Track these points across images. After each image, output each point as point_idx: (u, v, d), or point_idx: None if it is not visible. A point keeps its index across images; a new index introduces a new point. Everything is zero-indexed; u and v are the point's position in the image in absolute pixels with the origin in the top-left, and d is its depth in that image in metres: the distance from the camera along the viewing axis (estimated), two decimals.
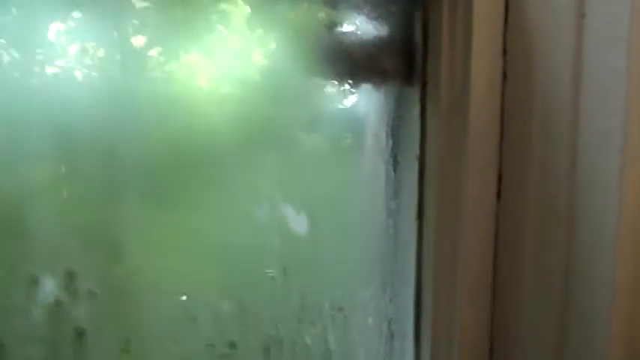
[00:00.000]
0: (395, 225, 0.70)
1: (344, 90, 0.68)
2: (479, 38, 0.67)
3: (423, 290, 0.70)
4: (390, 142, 0.69)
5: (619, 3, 0.62)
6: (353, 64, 0.65)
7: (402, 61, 0.68)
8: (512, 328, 0.73)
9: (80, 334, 0.41)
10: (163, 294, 0.48)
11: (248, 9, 0.65)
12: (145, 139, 0.54)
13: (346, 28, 0.66)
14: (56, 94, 0.46)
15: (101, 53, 0.51)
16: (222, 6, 0.63)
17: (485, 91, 0.69)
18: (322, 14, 0.66)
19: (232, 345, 0.52)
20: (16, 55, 0.44)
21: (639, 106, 0.64)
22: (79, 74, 0.49)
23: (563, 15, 0.66)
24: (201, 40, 0.61)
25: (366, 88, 0.69)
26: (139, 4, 0.54)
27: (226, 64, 0.64)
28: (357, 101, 0.70)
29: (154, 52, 0.57)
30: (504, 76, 0.71)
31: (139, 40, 0.55)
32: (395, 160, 0.70)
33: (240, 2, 0.64)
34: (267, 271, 0.56)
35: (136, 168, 0.52)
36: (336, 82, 0.67)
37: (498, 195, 0.73)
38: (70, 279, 0.39)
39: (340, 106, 0.69)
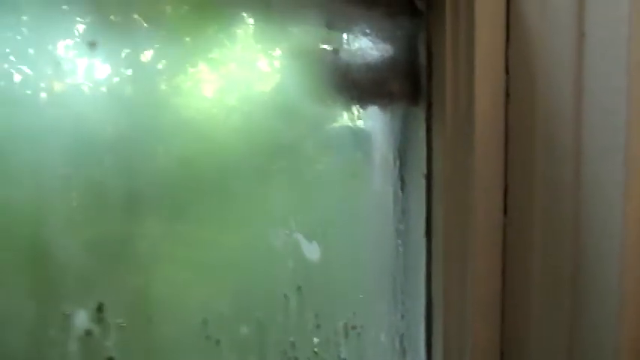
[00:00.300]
0: (404, 243, 0.72)
1: (351, 112, 0.70)
2: (481, 58, 0.69)
3: (434, 306, 0.71)
4: (398, 163, 0.71)
5: (618, 23, 0.64)
6: (359, 86, 0.67)
7: (407, 82, 0.69)
8: (522, 340, 0.74)
9: None
10: (185, 318, 0.50)
11: (254, 31, 0.66)
12: (158, 157, 0.56)
13: (352, 51, 0.67)
14: (66, 111, 0.47)
15: (109, 69, 0.51)
16: (229, 27, 0.65)
17: (489, 110, 0.70)
18: (327, 37, 0.67)
19: None
20: (26, 71, 0.45)
21: None
22: (87, 89, 0.49)
23: (563, 34, 0.68)
24: (208, 59, 0.63)
25: (373, 109, 0.71)
26: (147, 20, 0.55)
27: (233, 86, 0.65)
28: (364, 122, 0.71)
29: (162, 67, 0.58)
30: (507, 94, 0.72)
31: (147, 55, 0.56)
32: (403, 179, 0.71)
33: (247, 22, 0.66)
34: (282, 290, 0.58)
35: (152, 190, 0.53)
36: (343, 104, 0.69)
37: (505, 210, 0.74)
38: (99, 311, 0.41)
39: (347, 128, 0.71)
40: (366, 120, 0.71)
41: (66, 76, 0.48)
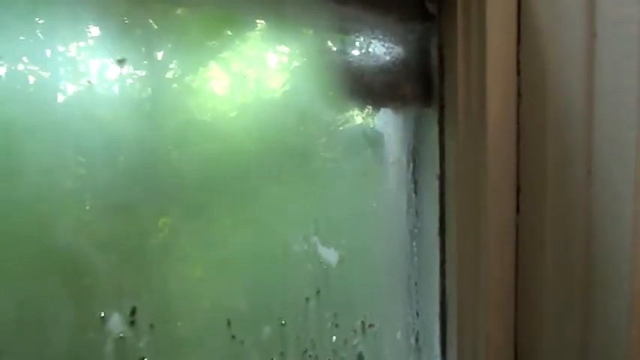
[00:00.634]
0: (418, 242, 0.73)
1: (364, 114, 0.71)
2: (493, 60, 0.70)
3: (448, 304, 0.72)
4: (411, 164, 0.72)
5: (628, 22, 0.65)
6: (372, 89, 0.68)
7: (420, 85, 0.70)
8: (535, 337, 0.76)
9: None
10: (211, 319, 0.51)
11: (268, 35, 0.67)
12: (172, 160, 0.57)
13: (364, 54, 0.68)
14: (79, 112, 0.48)
15: (122, 69, 0.52)
16: (243, 32, 0.66)
17: (500, 110, 0.71)
18: (340, 41, 0.68)
19: None
20: (40, 73, 0.46)
21: None
22: (100, 90, 0.50)
23: (574, 35, 0.69)
24: (222, 61, 0.63)
25: (386, 111, 0.72)
26: (158, 21, 0.56)
27: (247, 89, 0.66)
28: (378, 124, 0.73)
29: (175, 69, 0.59)
30: (519, 95, 0.73)
31: (158, 56, 0.57)
32: (416, 180, 0.72)
33: (259, 26, 0.67)
34: (303, 292, 0.59)
35: (173, 192, 0.55)
36: (357, 107, 0.70)
37: (517, 209, 0.75)
38: (132, 314, 0.43)
39: (361, 130, 0.72)
40: (380, 122, 0.72)
41: (80, 78, 0.49)
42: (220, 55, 0.64)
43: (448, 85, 0.70)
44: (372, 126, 0.73)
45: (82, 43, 0.49)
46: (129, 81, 0.52)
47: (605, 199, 0.69)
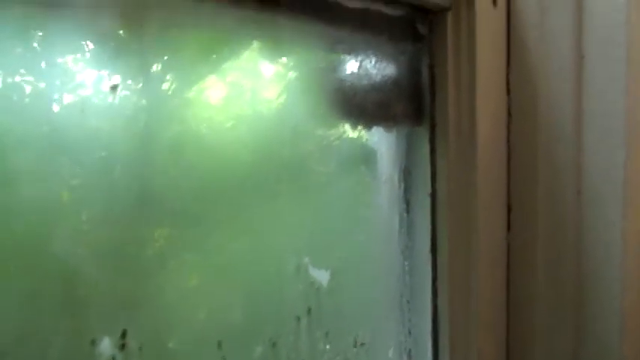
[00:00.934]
0: (410, 260, 0.73)
1: (356, 133, 0.72)
2: (483, 80, 0.70)
3: (440, 321, 0.72)
4: (403, 182, 0.72)
5: (616, 45, 0.66)
6: (364, 108, 0.69)
7: (411, 104, 0.71)
8: (527, 354, 0.76)
9: None
10: (201, 341, 0.51)
11: (261, 55, 0.68)
12: (166, 173, 0.57)
13: (356, 74, 0.69)
14: (75, 123, 0.48)
15: (118, 81, 0.52)
16: (238, 51, 0.67)
17: (491, 130, 0.72)
18: (332, 61, 0.69)
19: None
20: (36, 84, 0.46)
21: (639, 142, 0.67)
22: (96, 101, 0.50)
23: (562, 56, 0.70)
24: (217, 78, 0.64)
25: (378, 130, 0.72)
26: (153, 37, 0.57)
27: (240, 107, 0.67)
28: (369, 143, 0.73)
29: (168, 83, 0.59)
30: (509, 114, 0.74)
31: (155, 68, 0.58)
32: (408, 198, 0.73)
33: (255, 46, 0.68)
34: (294, 311, 0.59)
35: (165, 210, 0.55)
36: (349, 126, 0.71)
37: (509, 227, 0.76)
38: (122, 337, 0.43)
39: (353, 148, 0.72)
40: (372, 141, 0.73)
41: (76, 88, 0.49)
42: (214, 72, 0.65)
43: (439, 105, 0.71)
44: (364, 144, 0.73)
45: (78, 55, 0.50)
46: (124, 92, 0.53)
47: (594, 218, 0.69)
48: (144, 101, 0.55)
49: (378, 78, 0.70)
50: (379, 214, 0.73)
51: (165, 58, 0.58)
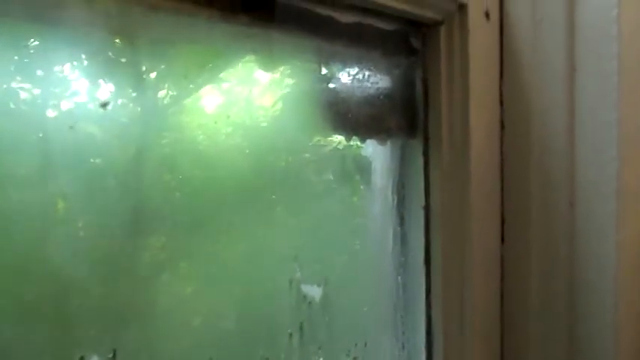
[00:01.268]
0: (404, 273, 0.73)
1: (350, 146, 0.72)
2: (476, 92, 0.71)
3: (434, 334, 0.72)
4: (397, 195, 0.73)
5: (608, 58, 0.66)
6: (358, 122, 0.69)
7: (405, 117, 0.71)
8: None
9: None
10: (193, 357, 0.51)
11: (255, 68, 0.68)
12: (160, 183, 0.57)
13: (350, 88, 0.69)
14: (69, 130, 0.47)
15: (114, 89, 0.52)
16: (231, 64, 0.67)
17: (484, 141, 0.72)
18: (326, 75, 0.69)
19: None
20: (32, 91, 0.46)
21: (632, 154, 0.68)
22: (92, 108, 0.50)
23: (555, 69, 0.70)
24: (211, 91, 0.64)
25: (372, 143, 0.72)
26: (151, 46, 0.57)
27: (235, 121, 0.67)
28: (363, 156, 0.73)
29: (163, 91, 0.59)
30: (502, 126, 0.75)
31: (151, 77, 0.58)
32: (402, 211, 0.73)
33: (249, 60, 0.68)
34: (285, 327, 0.59)
35: (159, 220, 0.55)
36: (343, 139, 0.71)
37: (502, 239, 0.76)
38: (113, 358, 0.43)
39: (347, 161, 0.72)
40: (365, 154, 0.73)
41: (70, 97, 0.49)
42: (208, 83, 0.65)
43: (432, 118, 0.71)
44: (359, 154, 0.73)
45: (74, 63, 0.50)
46: (119, 101, 0.53)
47: (588, 230, 0.70)
48: (139, 109, 0.55)
49: (372, 91, 0.70)
50: (373, 226, 0.73)
51: (162, 64, 0.58)
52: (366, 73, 0.69)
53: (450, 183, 0.71)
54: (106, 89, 0.52)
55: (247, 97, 0.66)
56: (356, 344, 0.66)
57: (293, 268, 0.62)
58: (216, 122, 0.64)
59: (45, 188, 0.47)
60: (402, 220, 0.73)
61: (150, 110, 0.56)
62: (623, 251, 0.67)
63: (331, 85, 0.69)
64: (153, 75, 0.58)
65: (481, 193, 0.72)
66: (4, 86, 0.46)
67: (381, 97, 0.70)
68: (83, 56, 0.50)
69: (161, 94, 0.59)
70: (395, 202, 0.73)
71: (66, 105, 0.49)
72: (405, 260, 0.73)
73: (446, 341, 0.71)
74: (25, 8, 0.47)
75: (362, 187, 0.75)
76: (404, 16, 0.67)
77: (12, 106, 0.46)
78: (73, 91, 0.49)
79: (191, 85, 0.63)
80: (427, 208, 0.72)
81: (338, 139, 0.71)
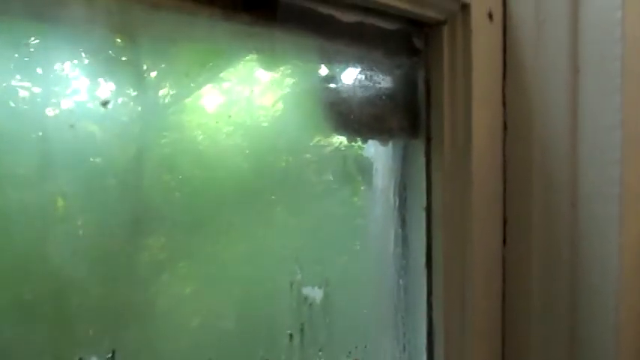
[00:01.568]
0: (405, 275, 0.73)
1: (352, 146, 0.71)
2: (479, 92, 0.70)
3: (435, 336, 0.72)
4: (398, 195, 0.72)
5: (611, 60, 0.66)
6: (360, 122, 0.68)
7: (407, 117, 0.71)
8: None
9: None
10: (192, 358, 0.51)
11: (257, 68, 0.68)
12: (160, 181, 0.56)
13: (352, 88, 0.69)
14: (69, 129, 0.47)
15: (112, 92, 0.52)
16: (234, 64, 0.67)
17: (486, 142, 0.72)
18: (328, 75, 0.69)
19: None
20: (32, 89, 0.46)
21: (635, 157, 0.67)
22: (92, 107, 0.50)
23: (558, 70, 0.70)
24: (212, 91, 0.64)
25: (374, 143, 0.72)
26: (152, 45, 0.56)
27: (236, 120, 0.66)
28: (365, 156, 0.73)
29: (164, 90, 0.59)
30: (505, 127, 0.74)
31: (151, 76, 0.58)
32: (403, 212, 0.72)
33: (252, 59, 0.68)
34: (285, 328, 0.59)
35: (159, 220, 0.54)
36: (345, 139, 0.71)
37: (504, 240, 0.76)
38: (112, 357, 0.42)
39: (349, 162, 0.72)
40: (367, 154, 0.73)
41: (71, 95, 0.49)
42: (209, 82, 0.64)
43: (434, 118, 0.71)
44: (360, 154, 0.73)
45: (75, 61, 0.50)
46: (120, 99, 0.52)
47: (590, 232, 0.69)
48: (139, 109, 0.55)
49: (374, 91, 0.70)
50: (374, 227, 0.72)
51: (163, 62, 0.58)
52: (368, 73, 0.69)
53: (452, 184, 0.71)
54: (107, 88, 0.52)
55: (248, 96, 0.66)
56: (357, 346, 0.66)
57: (294, 269, 0.61)
58: (216, 122, 0.64)
59: (44, 187, 0.47)
60: (403, 221, 0.72)
61: (150, 109, 0.56)
62: (626, 253, 0.67)
63: (333, 85, 0.68)
64: (153, 74, 0.58)
65: (483, 194, 0.72)
66: (4, 84, 0.46)
67: (383, 97, 0.70)
68: (83, 55, 0.50)
69: (162, 92, 0.59)
70: (396, 202, 0.73)
71: (66, 104, 0.49)
72: (406, 261, 0.73)
73: (447, 343, 0.71)
74: (26, 6, 0.47)
75: (363, 187, 0.74)
76: (406, 16, 0.67)
77: (12, 104, 0.46)
78: (73, 90, 0.49)
79: (192, 84, 0.63)
80: (429, 209, 0.71)
81: (339, 139, 0.71)
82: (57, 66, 0.48)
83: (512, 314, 0.76)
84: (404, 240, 0.73)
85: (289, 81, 0.70)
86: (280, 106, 0.69)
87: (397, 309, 0.72)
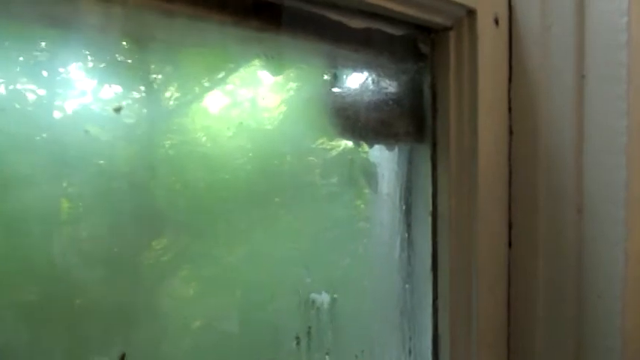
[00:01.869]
0: (411, 279, 0.73)
1: (358, 150, 0.72)
2: (484, 98, 0.71)
3: (441, 340, 0.72)
4: (404, 200, 0.72)
5: (617, 65, 0.66)
6: (366, 127, 0.69)
7: (413, 122, 0.71)
8: None
9: None
10: None
11: (263, 72, 0.68)
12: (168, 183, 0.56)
13: (358, 93, 0.69)
14: (75, 132, 0.48)
15: (121, 91, 0.52)
16: (240, 67, 0.67)
17: (492, 147, 0.72)
18: (334, 80, 0.69)
19: None
20: (38, 92, 0.46)
21: None
22: (98, 110, 0.50)
23: (564, 75, 0.70)
24: (218, 94, 0.64)
25: (380, 148, 0.72)
26: (160, 49, 0.57)
27: (241, 123, 0.66)
28: (371, 160, 0.73)
29: (170, 94, 0.59)
30: (510, 132, 0.74)
31: (158, 79, 0.58)
32: (409, 216, 0.73)
33: (258, 64, 0.68)
34: (292, 332, 0.59)
35: (164, 222, 0.54)
36: (350, 143, 0.71)
37: (510, 244, 0.76)
38: None
39: (354, 166, 0.72)
40: (373, 158, 0.73)
41: (77, 98, 0.49)
42: (216, 86, 0.65)
43: (440, 122, 0.71)
44: (365, 162, 0.73)
45: (79, 64, 0.50)
46: (124, 103, 0.53)
47: (595, 236, 0.69)
48: (145, 111, 0.55)
49: (380, 96, 0.70)
50: (380, 232, 0.73)
51: (169, 66, 0.58)
52: (375, 77, 0.69)
53: (458, 188, 0.71)
54: (114, 91, 0.52)
55: (253, 100, 0.66)
56: (363, 350, 0.66)
57: (300, 272, 0.61)
58: (222, 125, 0.64)
59: (50, 190, 0.47)
60: (409, 225, 0.73)
61: (157, 112, 0.56)
62: (631, 258, 0.67)
63: (339, 90, 0.69)
64: (161, 77, 0.58)
65: (489, 198, 0.72)
66: (11, 87, 0.46)
67: (390, 102, 0.70)
68: (91, 58, 0.51)
69: (168, 96, 0.59)
70: (402, 207, 0.73)
71: (73, 107, 0.49)
72: (412, 266, 0.73)
73: (452, 347, 0.71)
74: (35, 10, 0.47)
75: (369, 192, 0.75)
76: (413, 22, 0.67)
77: (18, 107, 0.46)
78: (80, 92, 0.49)
79: (198, 88, 0.63)
80: (434, 214, 0.72)
81: (345, 143, 0.71)
82: (63, 69, 0.48)
83: (518, 319, 0.76)
84: (410, 244, 0.73)
85: (295, 85, 0.70)
86: (285, 109, 0.69)
87: (403, 313, 0.72)
